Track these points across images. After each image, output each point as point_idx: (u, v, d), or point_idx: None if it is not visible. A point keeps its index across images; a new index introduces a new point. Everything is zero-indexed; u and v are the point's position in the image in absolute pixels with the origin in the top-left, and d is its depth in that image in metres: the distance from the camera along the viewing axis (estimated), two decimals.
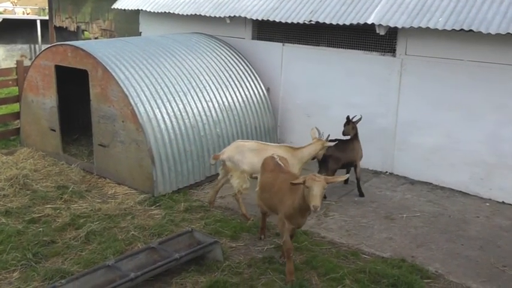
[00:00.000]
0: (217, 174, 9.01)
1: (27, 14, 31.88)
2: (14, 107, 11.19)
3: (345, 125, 8.58)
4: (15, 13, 30.61)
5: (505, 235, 7.30)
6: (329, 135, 7.87)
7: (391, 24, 8.41)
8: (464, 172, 8.68)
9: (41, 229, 7.07)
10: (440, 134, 8.86)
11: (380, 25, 8.52)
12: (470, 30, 7.72)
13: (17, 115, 10.83)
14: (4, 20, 19.97)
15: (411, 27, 8.22)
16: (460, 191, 8.72)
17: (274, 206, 6.24)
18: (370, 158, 9.56)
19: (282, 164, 6.48)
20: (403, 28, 8.43)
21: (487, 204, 8.32)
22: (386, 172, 9.54)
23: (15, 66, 10.80)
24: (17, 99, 10.75)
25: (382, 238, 7.12)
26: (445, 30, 7.93)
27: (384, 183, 9.08)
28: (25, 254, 6.38)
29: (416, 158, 9.16)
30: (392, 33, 9.00)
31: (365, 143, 9.34)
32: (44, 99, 9.70)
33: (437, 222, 7.65)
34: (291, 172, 6.50)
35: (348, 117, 8.58)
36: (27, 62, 11.48)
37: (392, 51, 9.17)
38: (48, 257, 6.43)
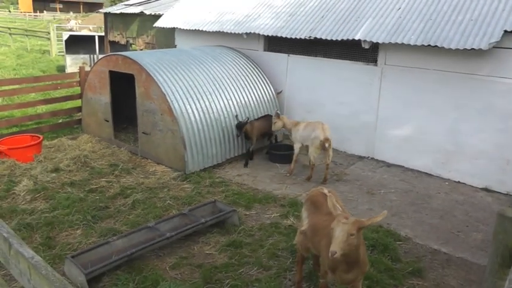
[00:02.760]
0: (236, 157, 9.05)
1: (90, 30, 32.12)
2: (77, 103, 11.23)
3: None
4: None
5: (460, 207, 7.24)
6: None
7: (374, 40, 8.31)
8: (429, 157, 8.60)
9: (97, 197, 7.15)
10: (411, 128, 8.77)
11: (365, 40, 8.42)
12: (436, 46, 7.61)
13: (79, 109, 10.88)
14: (71, 36, 20.28)
15: (390, 42, 8.13)
16: (426, 173, 8.65)
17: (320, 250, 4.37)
18: (355, 145, 9.55)
19: (339, 206, 4.26)
20: (383, 43, 8.33)
21: (447, 183, 8.25)
22: (369, 157, 9.47)
23: (78, 71, 10.83)
24: (79, 96, 10.78)
25: (364, 209, 7.08)
26: (416, 45, 7.83)
27: (367, 166, 9.03)
28: (85, 216, 6.45)
29: (392, 146, 9.08)
30: (375, 48, 8.89)
31: (352, 134, 9.34)
32: (100, 97, 9.73)
33: (407, 197, 7.61)
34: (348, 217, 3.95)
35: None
36: (87, 68, 11.49)
37: (374, 61, 9.07)
38: (103, 219, 6.50)
